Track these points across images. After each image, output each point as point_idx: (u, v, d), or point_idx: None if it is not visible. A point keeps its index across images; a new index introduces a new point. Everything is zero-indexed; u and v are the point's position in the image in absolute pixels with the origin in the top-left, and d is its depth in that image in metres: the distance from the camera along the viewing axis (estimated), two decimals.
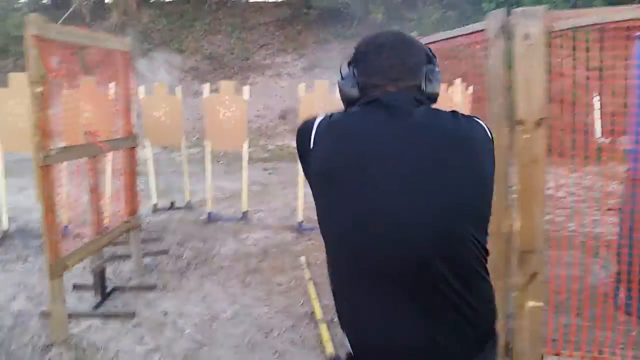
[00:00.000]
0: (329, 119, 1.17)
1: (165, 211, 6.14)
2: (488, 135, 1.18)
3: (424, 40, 1.71)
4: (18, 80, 4.83)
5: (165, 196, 6.52)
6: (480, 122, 1.19)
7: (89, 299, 3.61)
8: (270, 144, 12.11)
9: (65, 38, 2.92)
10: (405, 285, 1.07)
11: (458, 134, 1.12)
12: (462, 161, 1.09)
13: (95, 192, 3.32)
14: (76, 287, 3.76)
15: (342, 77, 1.23)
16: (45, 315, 3.30)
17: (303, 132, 1.19)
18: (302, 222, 5.30)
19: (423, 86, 1.18)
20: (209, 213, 5.73)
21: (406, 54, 1.19)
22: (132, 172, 3.88)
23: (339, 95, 1.25)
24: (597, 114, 4.95)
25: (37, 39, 2.67)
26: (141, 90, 6.03)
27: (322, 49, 14.99)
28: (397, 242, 1.06)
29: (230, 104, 5.53)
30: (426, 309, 1.07)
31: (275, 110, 13.49)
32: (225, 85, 5.64)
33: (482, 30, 2.39)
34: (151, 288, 3.78)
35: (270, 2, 16.54)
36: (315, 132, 1.14)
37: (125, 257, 4.41)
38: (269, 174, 9.05)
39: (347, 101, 1.23)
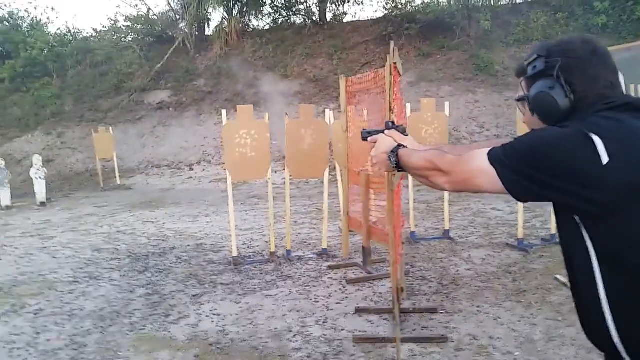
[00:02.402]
0: (617, 128, 1.08)
1: None
2: None
3: None
4: (244, 111, 5.02)
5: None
6: None
7: (376, 321, 3.61)
8: None
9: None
10: None
11: None
12: None
13: (397, 215, 3.31)
14: (359, 310, 3.77)
15: (547, 88, 1.17)
16: (357, 340, 3.30)
17: (576, 151, 1.08)
18: (522, 239, 5.15)
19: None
20: (412, 232, 5.68)
21: (612, 60, 1.19)
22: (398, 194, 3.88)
23: (538, 108, 1.21)
24: None
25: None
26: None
27: (426, 62, 14.92)
28: None
29: (433, 120, 5.52)
30: None
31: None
32: (427, 102, 5.62)
33: None
34: (433, 310, 3.72)
35: (368, 20, 16.68)
36: (606, 145, 1.05)
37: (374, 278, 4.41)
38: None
39: (556, 114, 1.18)
